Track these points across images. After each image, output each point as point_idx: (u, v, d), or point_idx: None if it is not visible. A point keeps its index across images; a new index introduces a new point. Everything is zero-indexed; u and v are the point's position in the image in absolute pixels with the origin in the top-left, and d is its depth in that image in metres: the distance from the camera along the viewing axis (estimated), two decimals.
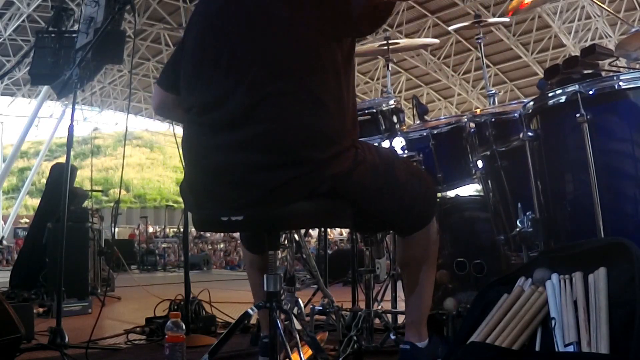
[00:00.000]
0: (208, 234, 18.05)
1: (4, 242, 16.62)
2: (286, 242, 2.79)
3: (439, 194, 2.74)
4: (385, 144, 2.48)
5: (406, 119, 2.69)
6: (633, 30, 2.22)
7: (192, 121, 1.58)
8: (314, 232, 7.32)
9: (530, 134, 1.94)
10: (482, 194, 2.40)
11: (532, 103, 1.96)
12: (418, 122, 2.66)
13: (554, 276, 1.51)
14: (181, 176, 1.63)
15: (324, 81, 1.49)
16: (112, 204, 20.33)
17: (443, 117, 2.69)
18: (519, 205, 2.03)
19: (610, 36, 16.72)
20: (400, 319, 2.74)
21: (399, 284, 2.69)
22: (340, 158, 1.49)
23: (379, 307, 2.66)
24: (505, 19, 4.26)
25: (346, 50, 1.57)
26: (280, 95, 1.46)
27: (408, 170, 1.74)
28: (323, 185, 1.47)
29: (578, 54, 2.04)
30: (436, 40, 4.87)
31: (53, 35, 3.14)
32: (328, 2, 1.51)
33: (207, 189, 1.55)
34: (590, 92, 1.72)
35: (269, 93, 1.46)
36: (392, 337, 2.34)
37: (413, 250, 1.80)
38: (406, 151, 2.46)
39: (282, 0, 1.51)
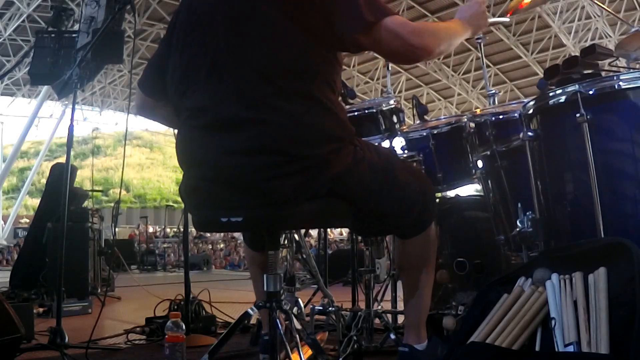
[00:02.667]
0: (208, 234, 18.09)
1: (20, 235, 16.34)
2: (286, 242, 2.79)
3: (439, 194, 2.74)
4: (385, 144, 2.47)
5: (406, 119, 2.69)
6: (633, 30, 2.22)
7: (186, 124, 1.56)
8: (314, 232, 7.32)
9: (530, 134, 1.94)
10: (482, 194, 2.40)
11: (532, 103, 1.95)
12: (418, 122, 2.66)
13: (554, 276, 1.51)
14: (181, 176, 1.63)
15: (315, 81, 1.48)
16: (112, 204, 20.34)
17: (443, 117, 2.69)
18: (519, 205, 2.03)
19: (610, 36, 16.73)
20: (400, 319, 2.74)
21: (399, 284, 2.69)
22: (339, 155, 1.48)
23: (379, 307, 2.66)
24: (506, 19, 4.25)
25: (336, 52, 1.54)
26: (274, 97, 1.44)
27: (408, 170, 1.73)
28: (322, 188, 1.46)
29: (578, 54, 2.03)
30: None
31: (53, 35, 3.14)
32: (314, 14, 1.47)
33: (205, 191, 1.54)
34: (590, 92, 1.72)
35: (262, 95, 1.45)
36: (392, 337, 2.33)
37: (412, 253, 1.79)
38: (406, 151, 2.45)
39: (271, 4, 1.49)
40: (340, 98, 1.80)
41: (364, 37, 1.46)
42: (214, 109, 1.48)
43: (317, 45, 1.48)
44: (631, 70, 1.88)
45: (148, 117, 1.87)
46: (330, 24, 1.46)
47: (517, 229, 1.98)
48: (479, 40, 3.11)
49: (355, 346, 2.19)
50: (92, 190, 6.20)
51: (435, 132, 2.44)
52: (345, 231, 12.53)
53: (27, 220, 18.52)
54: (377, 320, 2.53)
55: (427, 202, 1.73)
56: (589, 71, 1.97)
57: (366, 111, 2.51)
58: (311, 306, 2.59)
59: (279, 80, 1.45)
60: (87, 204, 5.65)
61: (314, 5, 1.46)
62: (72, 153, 2.45)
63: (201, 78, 1.51)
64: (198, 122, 1.52)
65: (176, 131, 1.70)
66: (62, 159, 3.20)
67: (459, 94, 22.20)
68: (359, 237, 2.65)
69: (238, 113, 1.45)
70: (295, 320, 1.60)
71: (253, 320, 2.67)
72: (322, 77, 1.50)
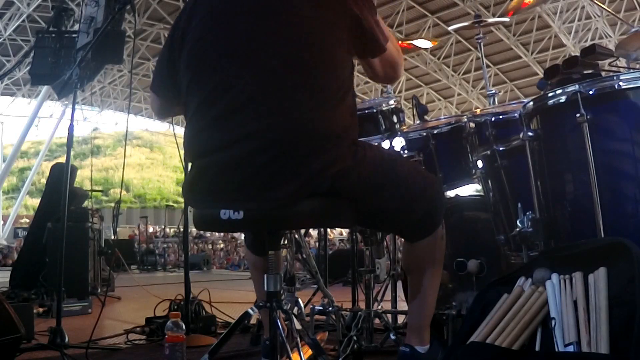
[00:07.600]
0: (208, 234, 18.09)
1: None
2: (286, 242, 2.79)
3: None
4: (385, 144, 2.47)
5: (406, 119, 2.68)
6: (633, 30, 2.23)
7: (196, 114, 1.56)
8: (314, 232, 7.32)
9: (530, 133, 1.94)
10: (482, 194, 2.40)
11: (532, 103, 1.95)
12: (418, 122, 2.66)
13: (554, 276, 1.51)
14: (181, 176, 1.64)
15: (333, 77, 1.49)
16: (112, 204, 20.33)
17: (443, 117, 2.69)
18: (519, 205, 2.03)
19: (610, 36, 16.73)
20: (400, 319, 2.75)
21: (399, 284, 2.69)
22: (342, 155, 1.48)
23: (379, 307, 2.66)
24: (505, 19, 4.25)
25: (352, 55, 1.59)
26: (287, 87, 1.45)
27: (412, 168, 1.72)
28: (324, 185, 1.46)
29: (578, 54, 2.03)
30: (435, 42, 4.87)
31: (53, 35, 3.14)
32: (341, 12, 1.52)
33: (207, 186, 1.54)
34: (590, 92, 1.72)
35: (276, 83, 1.45)
36: (392, 337, 2.33)
37: (418, 255, 1.76)
38: (406, 151, 2.45)
39: None
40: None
41: (375, 62, 1.63)
42: (225, 94, 1.49)
43: (337, 44, 1.50)
44: (631, 70, 1.88)
45: (170, 117, 1.92)
46: (355, 34, 1.54)
47: (517, 229, 1.98)
48: (479, 40, 3.12)
49: (355, 346, 2.18)
50: (92, 190, 6.17)
51: (435, 132, 2.44)
52: (345, 231, 12.53)
53: (27, 220, 18.51)
54: (377, 320, 2.53)
55: (433, 202, 1.69)
56: (589, 71, 1.97)
57: (366, 111, 2.50)
58: (311, 306, 2.59)
59: (296, 70, 1.45)
60: (87, 204, 5.63)
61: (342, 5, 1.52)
62: (72, 153, 2.45)
63: (218, 67, 1.51)
64: (210, 111, 1.51)
65: (176, 131, 1.70)
66: (62, 159, 3.20)
67: (459, 94, 22.19)
68: (359, 237, 2.65)
69: (247, 98, 1.45)
70: (295, 320, 1.60)
71: (253, 320, 2.67)
72: (339, 76, 1.50)
